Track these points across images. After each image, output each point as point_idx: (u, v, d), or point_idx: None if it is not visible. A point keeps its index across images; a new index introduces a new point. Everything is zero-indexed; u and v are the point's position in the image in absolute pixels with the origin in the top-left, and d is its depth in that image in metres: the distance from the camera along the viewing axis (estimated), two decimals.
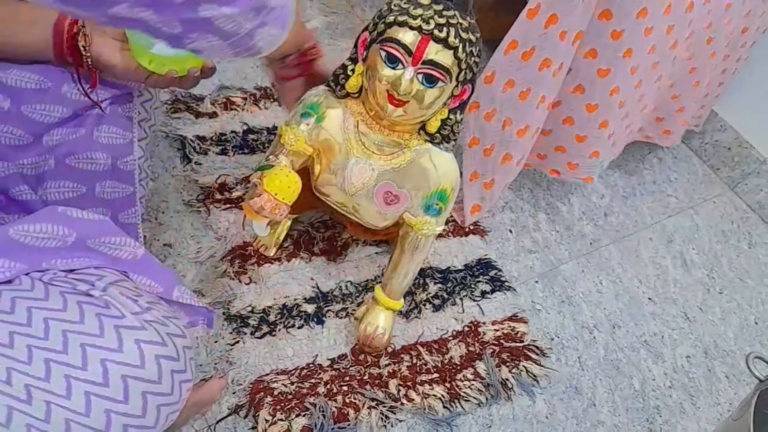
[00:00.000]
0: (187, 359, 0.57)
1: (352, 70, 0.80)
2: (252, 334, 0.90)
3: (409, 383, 0.92)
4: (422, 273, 1.06)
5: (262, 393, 0.84)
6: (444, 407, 0.92)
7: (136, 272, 0.64)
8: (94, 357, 0.51)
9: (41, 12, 0.64)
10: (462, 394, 0.94)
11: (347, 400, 0.87)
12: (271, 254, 0.99)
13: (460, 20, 0.73)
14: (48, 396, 0.48)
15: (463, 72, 0.75)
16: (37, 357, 0.49)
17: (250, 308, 0.93)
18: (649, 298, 1.24)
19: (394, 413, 0.89)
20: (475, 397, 0.94)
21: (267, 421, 0.82)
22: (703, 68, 1.27)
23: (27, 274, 0.56)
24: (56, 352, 0.50)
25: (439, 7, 0.72)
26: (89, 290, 0.55)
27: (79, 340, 0.51)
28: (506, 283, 1.12)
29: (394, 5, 0.74)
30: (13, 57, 0.65)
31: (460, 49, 0.73)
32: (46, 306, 0.53)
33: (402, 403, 0.90)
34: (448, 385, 0.94)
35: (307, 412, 0.84)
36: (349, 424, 0.85)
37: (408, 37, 0.72)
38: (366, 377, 0.91)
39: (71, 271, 0.59)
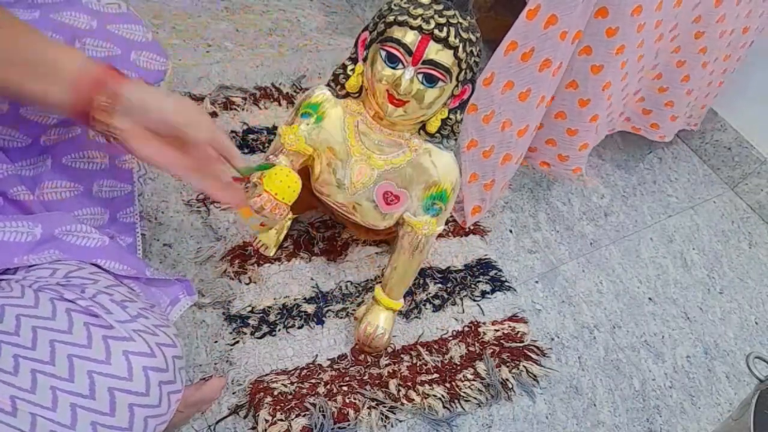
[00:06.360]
0: (176, 369, 0.56)
1: (352, 70, 0.80)
2: (252, 334, 0.90)
3: (409, 383, 0.92)
4: (422, 273, 1.06)
5: (262, 393, 0.84)
6: (444, 407, 0.91)
7: (105, 258, 0.63)
8: (81, 368, 0.50)
9: (63, 58, 0.54)
10: (462, 394, 0.93)
11: (347, 400, 0.87)
12: (271, 254, 0.99)
13: (460, 20, 0.73)
14: (33, 408, 0.48)
15: (463, 72, 0.75)
16: (24, 367, 0.49)
17: (250, 308, 0.93)
18: (650, 298, 1.23)
19: (394, 413, 0.89)
20: (475, 397, 0.94)
21: (267, 421, 0.82)
22: (692, 63, 1.27)
23: (17, 282, 0.55)
24: (43, 363, 0.49)
25: (439, 7, 0.72)
26: (76, 299, 0.54)
27: (67, 351, 0.50)
28: (506, 283, 1.12)
29: (394, 5, 0.74)
30: (17, 100, 0.60)
31: (461, 49, 0.73)
32: (35, 314, 0.52)
33: (402, 403, 0.90)
34: (448, 385, 0.94)
35: (307, 412, 0.84)
36: (349, 425, 0.85)
37: (408, 36, 0.72)
38: (366, 377, 0.91)
39: (55, 271, 0.58)
